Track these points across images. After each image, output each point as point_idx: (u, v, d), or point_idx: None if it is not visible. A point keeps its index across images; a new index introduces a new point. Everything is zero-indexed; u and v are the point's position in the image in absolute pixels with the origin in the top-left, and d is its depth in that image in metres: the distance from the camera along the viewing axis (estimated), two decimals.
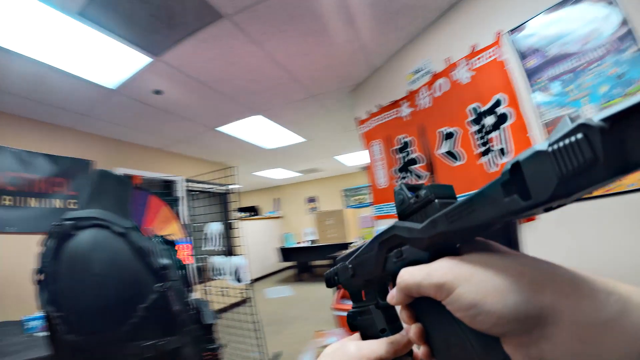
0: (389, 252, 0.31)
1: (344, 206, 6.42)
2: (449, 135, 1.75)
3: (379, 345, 0.32)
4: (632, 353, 0.18)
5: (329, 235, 5.54)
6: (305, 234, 6.26)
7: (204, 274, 3.29)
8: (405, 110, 2.09)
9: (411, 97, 2.02)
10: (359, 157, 5.14)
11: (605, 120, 0.16)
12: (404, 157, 2.15)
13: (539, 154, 0.18)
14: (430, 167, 1.93)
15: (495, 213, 0.21)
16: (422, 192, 0.28)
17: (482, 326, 0.22)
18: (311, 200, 7.04)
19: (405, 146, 2.14)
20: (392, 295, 0.28)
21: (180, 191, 3.84)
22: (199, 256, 3.42)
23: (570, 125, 0.17)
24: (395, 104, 2.17)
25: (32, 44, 1.63)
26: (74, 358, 0.62)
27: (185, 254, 2.87)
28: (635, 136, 0.15)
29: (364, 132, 2.50)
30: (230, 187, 3.64)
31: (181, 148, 3.82)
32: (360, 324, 0.36)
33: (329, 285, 0.41)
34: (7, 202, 2.27)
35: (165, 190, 3.74)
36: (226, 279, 2.95)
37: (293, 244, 6.27)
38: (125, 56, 1.84)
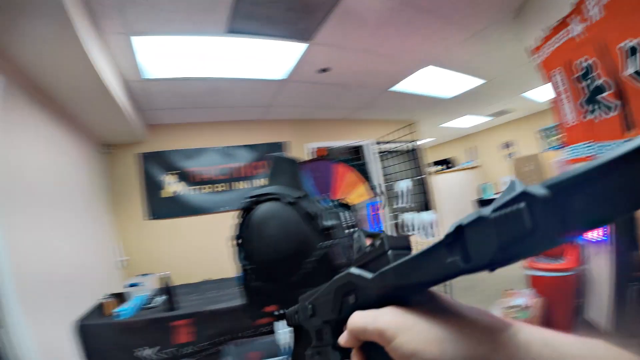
0: (345, 296, 0.32)
1: (543, 149, 5.31)
2: (633, 51, 1.31)
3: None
4: None
5: (530, 183, 4.82)
6: (503, 184, 5.66)
7: (398, 231, 3.50)
8: (576, 27, 1.67)
9: (578, 9, 1.59)
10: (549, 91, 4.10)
11: (549, 188, 0.16)
12: (588, 86, 1.74)
13: (481, 219, 0.18)
14: (620, 95, 1.49)
15: (438, 273, 0.22)
16: (377, 243, 0.30)
17: None
18: (507, 145, 6.18)
19: (587, 72, 1.72)
20: (343, 337, 0.29)
21: (369, 154, 4.23)
22: (391, 214, 3.81)
23: (514, 192, 0.17)
24: (563, 23, 1.75)
25: (206, 66, 2.30)
26: (259, 300, 0.84)
27: (373, 213, 3.25)
28: (577, 207, 0.15)
29: (539, 62, 2.12)
30: (418, 142, 3.75)
31: (362, 114, 4.13)
32: None
33: (289, 324, 0.43)
34: (220, 189, 3.33)
35: (355, 155, 4.23)
36: (417, 235, 3.20)
37: (491, 194, 5.81)
38: (282, 50, 2.26)
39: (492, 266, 0.18)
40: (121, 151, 3.11)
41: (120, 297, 2.16)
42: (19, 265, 1.43)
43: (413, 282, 0.24)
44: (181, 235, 3.17)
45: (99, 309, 2.06)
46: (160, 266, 2.87)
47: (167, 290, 2.06)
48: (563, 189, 0.15)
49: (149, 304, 2.17)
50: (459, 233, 0.19)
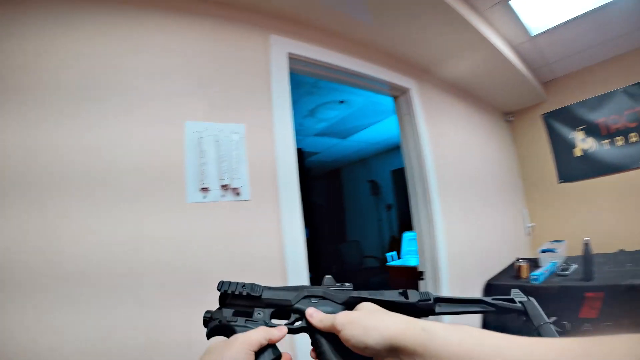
0: (309, 298, 0.50)
1: None
2: None
3: (260, 332, 0.43)
4: None
5: None
6: None
7: None
8: None
9: None
10: None
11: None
12: None
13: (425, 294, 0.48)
14: None
15: (392, 299, 0.48)
16: (347, 284, 0.52)
17: (357, 350, 0.38)
18: None
19: None
20: (318, 317, 0.45)
21: None
22: None
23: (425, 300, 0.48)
24: None
25: None
26: None
27: None
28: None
29: None
30: None
31: None
32: (245, 327, 0.46)
33: (221, 298, 0.50)
34: (634, 139, 2.38)
35: None
36: None
37: None
38: None
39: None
40: (523, 116, 3.23)
41: (533, 262, 2.24)
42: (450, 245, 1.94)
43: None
44: (590, 199, 2.80)
45: (508, 272, 2.26)
46: (567, 233, 2.76)
47: (587, 257, 1.90)
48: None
49: (563, 270, 2.10)
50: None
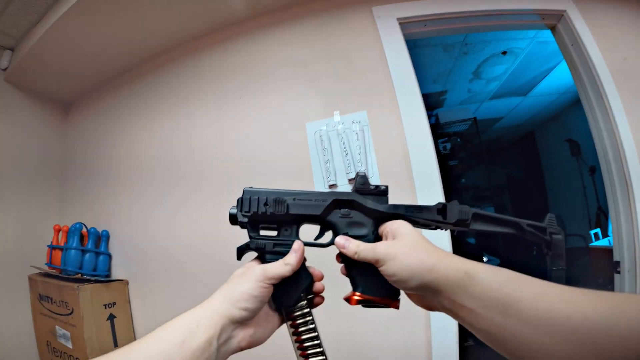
0: (338, 207, 0.45)
1: None
2: None
3: (278, 265, 0.41)
4: (482, 307, 0.32)
5: None
6: None
7: None
8: None
9: None
10: None
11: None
12: None
13: (453, 204, 0.44)
14: None
15: (430, 219, 0.44)
16: (382, 187, 0.46)
17: (397, 285, 0.38)
18: None
19: None
20: (352, 249, 0.41)
21: None
22: None
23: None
24: None
25: None
26: None
27: None
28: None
29: None
30: None
31: None
32: (274, 253, 0.44)
33: (243, 211, 0.44)
34: None
35: None
36: None
37: None
38: None
39: (456, 225, 0.43)
40: None
41: None
42: None
43: (415, 219, 0.45)
44: None
45: None
46: None
47: None
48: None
49: None
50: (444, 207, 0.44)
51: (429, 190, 1.19)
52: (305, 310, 0.43)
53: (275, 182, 1.31)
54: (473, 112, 3.80)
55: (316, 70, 1.38)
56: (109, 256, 1.58)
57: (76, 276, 1.43)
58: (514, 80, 3.24)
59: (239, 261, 0.45)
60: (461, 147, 3.56)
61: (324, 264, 0.52)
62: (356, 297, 0.42)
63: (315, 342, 0.42)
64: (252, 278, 0.39)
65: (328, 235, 0.47)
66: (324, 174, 1.26)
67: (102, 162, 1.70)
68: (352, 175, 1.21)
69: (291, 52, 1.43)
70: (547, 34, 2.41)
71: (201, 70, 1.56)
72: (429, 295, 0.37)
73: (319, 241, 0.47)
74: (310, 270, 0.45)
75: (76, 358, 1.31)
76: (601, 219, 3.49)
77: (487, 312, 0.31)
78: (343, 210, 0.45)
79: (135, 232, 1.54)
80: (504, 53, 2.71)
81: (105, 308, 1.38)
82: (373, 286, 0.42)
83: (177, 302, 1.37)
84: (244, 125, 1.41)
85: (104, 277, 1.50)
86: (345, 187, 1.23)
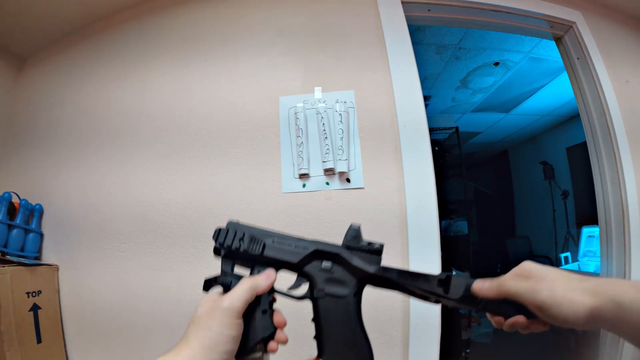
0: (318, 260, 0.41)
1: None
2: None
3: (240, 290, 0.38)
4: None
5: None
6: None
7: None
8: None
9: None
10: None
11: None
12: None
13: (461, 277, 0.37)
14: None
15: (428, 290, 0.37)
16: (376, 245, 0.41)
17: (550, 321, 0.36)
18: None
19: None
20: (495, 290, 0.38)
21: None
22: None
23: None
24: None
25: None
26: None
27: None
28: None
29: None
30: None
31: None
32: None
33: (218, 242, 0.42)
34: None
35: None
36: None
37: None
38: None
39: (460, 303, 0.36)
40: None
41: None
42: None
43: (406, 287, 0.38)
44: None
45: None
46: None
47: None
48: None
49: None
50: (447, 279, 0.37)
51: (422, 190, 0.99)
52: None
53: (234, 161, 1.09)
54: (454, 123, 3.74)
55: (300, 38, 1.18)
56: (41, 235, 1.28)
57: None
58: (499, 95, 3.19)
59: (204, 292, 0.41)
60: (439, 156, 3.47)
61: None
62: None
63: None
64: (221, 316, 0.36)
65: (304, 287, 0.43)
66: (294, 160, 1.05)
67: (49, 126, 1.40)
68: (330, 165, 1.01)
69: (272, 16, 1.22)
70: (542, 50, 2.35)
71: (166, 29, 1.32)
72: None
73: (293, 292, 0.43)
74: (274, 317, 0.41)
75: None
76: (569, 242, 3.56)
77: None
78: (325, 264, 0.41)
79: (72, 209, 1.27)
80: (496, 64, 2.62)
81: (29, 297, 1.13)
82: (345, 353, 0.37)
83: (116, 293, 1.13)
84: (208, 92, 1.18)
85: (32, 260, 1.22)
86: (319, 178, 1.02)
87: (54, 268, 1.24)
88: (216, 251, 0.43)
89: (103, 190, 1.22)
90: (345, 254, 0.40)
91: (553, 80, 2.89)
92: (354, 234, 0.41)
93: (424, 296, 0.39)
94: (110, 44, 1.38)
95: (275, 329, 0.40)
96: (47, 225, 1.29)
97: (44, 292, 1.18)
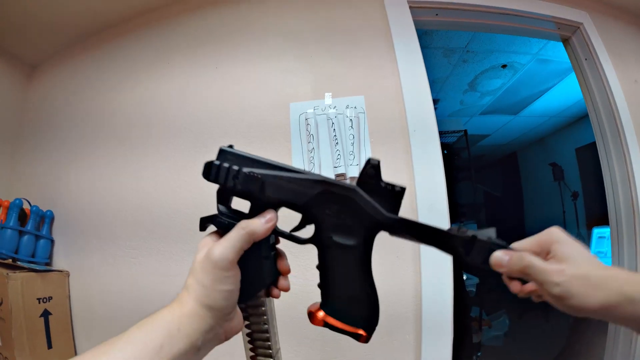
0: (327, 201, 0.34)
1: None
2: None
3: (232, 238, 0.33)
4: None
5: None
6: None
7: None
8: None
9: None
10: None
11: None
12: None
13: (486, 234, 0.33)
14: None
15: (449, 246, 0.33)
16: (397, 187, 0.34)
17: (565, 309, 0.34)
18: None
19: None
20: (517, 263, 0.33)
21: None
22: None
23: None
24: None
25: None
26: None
27: None
28: None
29: None
30: None
31: None
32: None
33: (206, 176, 0.36)
34: None
35: None
36: None
37: None
38: None
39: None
40: None
41: None
42: None
43: (422, 239, 0.33)
44: None
45: None
46: None
47: None
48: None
49: None
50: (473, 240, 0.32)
51: (433, 194, 1.01)
52: (261, 310, 0.38)
53: None
54: (463, 126, 3.73)
55: (310, 44, 1.20)
56: (52, 241, 1.32)
57: (6, 261, 1.18)
58: (507, 97, 3.19)
59: (202, 232, 0.38)
60: (448, 160, 3.48)
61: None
62: (321, 316, 0.35)
63: (266, 343, 0.38)
64: (217, 269, 0.32)
65: (309, 229, 0.37)
66: (306, 165, 1.08)
67: (59, 133, 1.44)
68: (341, 170, 1.03)
69: (284, 22, 1.25)
70: (550, 52, 2.34)
71: (176, 36, 1.36)
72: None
73: (297, 234, 0.38)
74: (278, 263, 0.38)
75: (5, 357, 1.08)
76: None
77: None
78: (333, 207, 0.34)
79: (83, 215, 1.30)
80: (504, 66, 2.62)
81: (40, 303, 1.14)
82: (349, 308, 0.35)
83: (127, 298, 1.14)
84: (218, 98, 1.21)
85: (43, 266, 1.25)
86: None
87: (65, 274, 1.26)
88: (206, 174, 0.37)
89: (113, 196, 1.25)
90: (359, 196, 0.34)
91: (561, 82, 2.88)
92: (372, 171, 0.34)
93: (443, 249, 0.34)
94: (119, 52, 1.42)
95: (277, 275, 0.37)
96: (58, 232, 1.33)
97: (54, 298, 1.19)
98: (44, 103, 1.54)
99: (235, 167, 0.35)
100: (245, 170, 0.35)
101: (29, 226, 1.25)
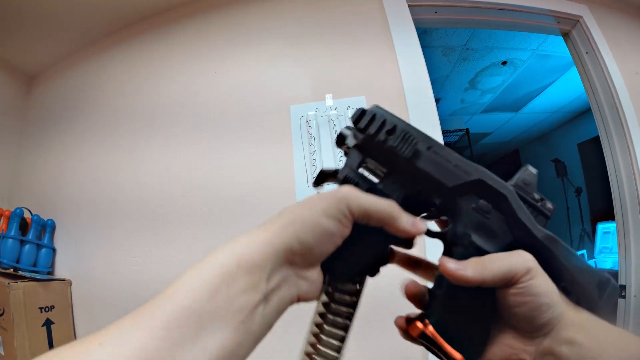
0: (478, 194, 0.29)
1: None
2: None
3: (380, 203, 0.27)
4: None
5: None
6: None
7: None
8: None
9: None
10: None
11: None
12: None
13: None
14: None
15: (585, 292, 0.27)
16: (548, 204, 0.30)
17: (528, 316, 0.26)
18: None
19: None
20: (471, 270, 0.26)
21: None
22: None
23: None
24: None
25: None
26: None
27: None
28: None
29: None
30: None
31: None
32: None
33: (356, 122, 0.30)
34: None
35: None
36: None
37: None
38: None
39: None
40: None
41: None
42: None
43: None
44: None
45: None
46: None
47: None
48: None
49: None
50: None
51: None
52: (353, 300, 0.28)
53: (246, 170, 1.11)
54: (464, 125, 3.72)
55: (309, 46, 1.21)
56: (53, 250, 1.32)
57: (8, 271, 1.17)
58: (508, 94, 3.18)
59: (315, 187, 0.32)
60: None
61: None
62: (422, 326, 0.27)
63: (335, 341, 0.27)
64: (337, 201, 0.25)
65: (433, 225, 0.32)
66: (307, 168, 1.07)
67: (59, 142, 1.45)
68: None
69: (280, 25, 1.25)
70: (550, 47, 2.34)
71: (174, 41, 1.37)
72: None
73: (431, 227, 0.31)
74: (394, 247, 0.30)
75: None
76: (585, 240, 3.48)
77: None
78: (482, 202, 0.29)
79: (84, 224, 1.30)
80: (504, 63, 2.62)
81: (42, 312, 1.13)
82: (461, 326, 0.27)
83: (130, 307, 1.13)
84: (218, 102, 1.21)
85: (45, 275, 1.25)
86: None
87: (67, 283, 1.25)
88: (340, 140, 0.31)
89: (115, 204, 1.25)
90: (514, 200, 0.29)
91: (561, 77, 2.88)
92: (528, 179, 0.30)
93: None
94: (117, 60, 1.43)
95: (385, 264, 0.30)
96: (60, 240, 1.32)
97: (57, 307, 1.18)
98: (42, 112, 1.55)
99: (392, 124, 0.30)
100: (404, 127, 0.29)
101: (30, 235, 1.25)
